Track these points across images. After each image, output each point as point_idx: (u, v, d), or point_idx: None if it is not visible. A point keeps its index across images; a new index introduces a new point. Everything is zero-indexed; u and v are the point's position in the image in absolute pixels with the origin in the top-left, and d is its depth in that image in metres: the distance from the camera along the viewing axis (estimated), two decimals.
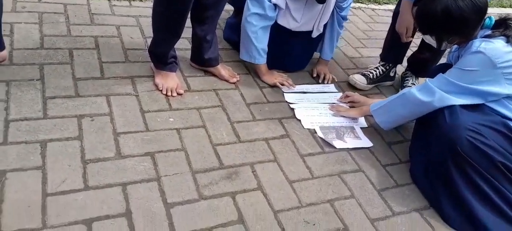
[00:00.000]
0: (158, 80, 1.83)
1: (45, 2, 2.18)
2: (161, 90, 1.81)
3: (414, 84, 2.24)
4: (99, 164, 1.43)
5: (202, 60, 1.97)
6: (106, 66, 1.87)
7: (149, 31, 2.15)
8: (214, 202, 1.41)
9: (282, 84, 2.05)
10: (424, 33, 1.66)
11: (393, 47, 2.21)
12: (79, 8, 2.21)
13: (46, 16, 2.07)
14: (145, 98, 1.75)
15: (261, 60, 2.02)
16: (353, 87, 2.21)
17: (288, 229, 1.38)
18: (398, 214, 1.57)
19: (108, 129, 1.57)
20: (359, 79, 2.20)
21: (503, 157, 1.50)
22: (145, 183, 1.41)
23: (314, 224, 1.42)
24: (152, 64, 1.88)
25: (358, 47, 2.66)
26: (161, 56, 1.81)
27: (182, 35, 1.80)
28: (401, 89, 2.24)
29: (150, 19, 2.25)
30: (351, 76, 2.23)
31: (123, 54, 1.97)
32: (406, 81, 2.26)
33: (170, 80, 1.83)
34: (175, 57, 1.87)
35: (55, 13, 2.12)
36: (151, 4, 2.40)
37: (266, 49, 2.02)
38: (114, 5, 2.32)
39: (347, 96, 2.06)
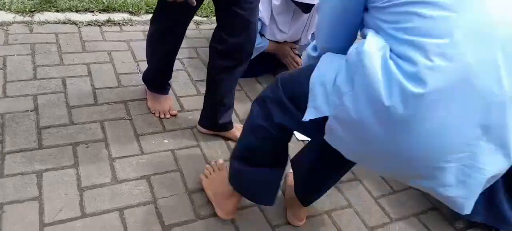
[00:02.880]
0: (150, 103, 1.85)
1: (37, 33, 2.20)
2: (154, 113, 1.82)
3: None
4: (96, 191, 1.44)
5: (216, 125, 1.73)
6: (99, 92, 1.89)
7: (140, 55, 2.18)
8: (211, 221, 1.42)
9: None
10: None
11: None
12: (71, 37, 2.23)
13: (38, 47, 2.10)
14: (139, 122, 1.77)
15: None
16: None
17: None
18: (396, 220, 1.57)
19: (103, 154, 1.58)
20: None
21: None
22: (142, 206, 1.42)
23: None
24: (145, 86, 1.90)
25: None
26: (153, 79, 1.83)
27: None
28: None
29: (141, 43, 2.30)
30: None
31: (115, 79, 1.99)
32: None
33: (163, 102, 1.84)
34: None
35: (47, 43, 2.14)
36: (141, 28, 2.45)
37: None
38: (105, 31, 2.35)
39: None
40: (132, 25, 2.46)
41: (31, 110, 1.71)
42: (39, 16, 2.33)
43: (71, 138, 1.62)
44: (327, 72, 1.00)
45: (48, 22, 2.31)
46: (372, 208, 1.60)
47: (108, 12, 2.52)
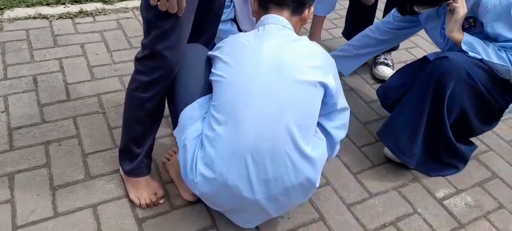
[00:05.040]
0: (132, 194, 1.41)
1: (7, 31, 2.16)
2: (141, 206, 1.39)
3: (386, 59, 2.21)
4: (68, 189, 1.42)
5: None
6: (71, 87, 1.86)
7: (114, 45, 2.14)
8: (187, 210, 1.41)
9: None
10: None
11: (357, 24, 2.16)
12: (42, 32, 2.19)
13: (8, 45, 2.06)
14: (112, 114, 1.74)
15: None
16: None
17: (263, 223, 1.37)
18: (375, 195, 1.56)
19: (76, 151, 1.56)
20: (388, 70, 2.18)
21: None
22: (115, 200, 1.41)
23: (289, 218, 1.42)
24: (121, 170, 1.45)
25: (329, 29, 2.63)
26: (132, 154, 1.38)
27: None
28: (375, 67, 2.22)
29: (115, 32, 2.26)
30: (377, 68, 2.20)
31: (88, 73, 1.96)
32: (379, 57, 2.23)
33: (142, 188, 1.40)
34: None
35: (17, 40, 2.10)
36: (115, 16, 2.40)
37: None
38: (78, 23, 2.30)
39: None
40: (105, 14, 2.41)
41: (1, 112, 1.68)
42: (8, 13, 2.28)
43: (43, 136, 1.60)
44: None
45: (18, 19, 2.26)
46: (351, 185, 1.59)
47: (80, 3, 2.46)
